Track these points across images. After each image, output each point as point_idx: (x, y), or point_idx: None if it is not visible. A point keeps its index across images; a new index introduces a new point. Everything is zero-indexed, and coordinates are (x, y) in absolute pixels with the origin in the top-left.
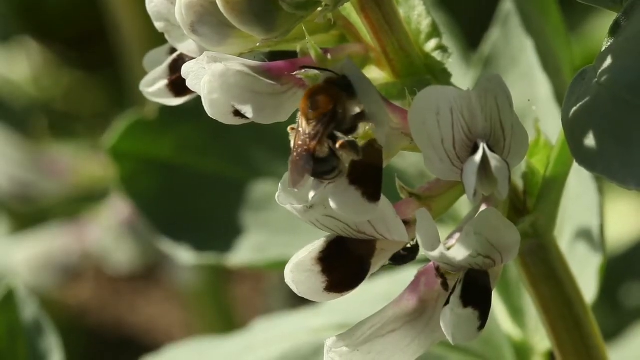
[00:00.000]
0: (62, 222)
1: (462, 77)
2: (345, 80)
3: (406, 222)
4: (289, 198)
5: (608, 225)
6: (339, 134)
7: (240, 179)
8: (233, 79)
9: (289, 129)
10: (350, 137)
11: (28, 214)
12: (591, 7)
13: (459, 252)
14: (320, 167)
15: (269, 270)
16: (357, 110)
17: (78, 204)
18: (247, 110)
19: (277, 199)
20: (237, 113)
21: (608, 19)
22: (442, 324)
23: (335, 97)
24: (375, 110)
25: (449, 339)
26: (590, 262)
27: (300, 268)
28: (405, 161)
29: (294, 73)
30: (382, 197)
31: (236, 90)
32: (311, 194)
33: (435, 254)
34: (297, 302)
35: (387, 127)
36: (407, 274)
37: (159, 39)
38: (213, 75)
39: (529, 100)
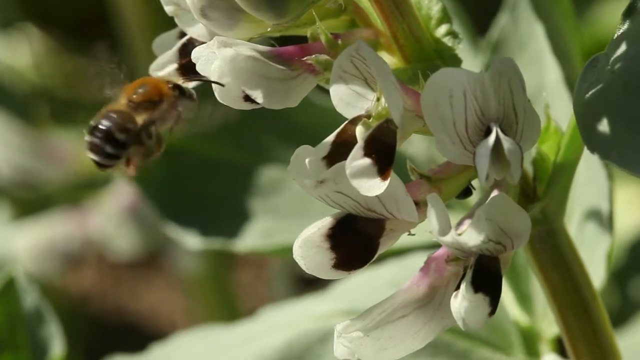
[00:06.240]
0: (64, 209)
1: (471, 62)
2: None
3: (416, 203)
4: (300, 172)
5: (616, 213)
6: None
7: (248, 164)
8: (243, 64)
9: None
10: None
11: (30, 201)
12: None
13: (470, 238)
14: None
15: (276, 255)
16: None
17: (80, 190)
18: (257, 96)
19: (288, 173)
20: (247, 98)
21: (615, 4)
22: (452, 310)
23: None
24: (390, 91)
25: (460, 324)
26: (599, 248)
27: (309, 244)
28: (414, 147)
29: (305, 58)
30: (393, 174)
31: (246, 75)
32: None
33: (447, 239)
34: (300, 289)
35: (401, 109)
36: (414, 260)
37: (161, 25)
38: (223, 60)
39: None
